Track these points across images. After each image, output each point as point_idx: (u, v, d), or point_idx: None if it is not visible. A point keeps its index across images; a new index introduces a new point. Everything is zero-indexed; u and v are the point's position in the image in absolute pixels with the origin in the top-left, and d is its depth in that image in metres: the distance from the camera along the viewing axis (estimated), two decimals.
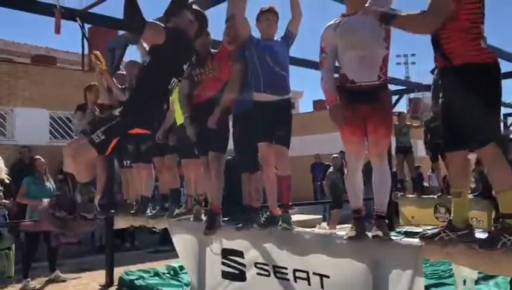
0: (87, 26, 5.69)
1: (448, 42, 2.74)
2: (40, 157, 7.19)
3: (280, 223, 3.74)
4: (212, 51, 4.56)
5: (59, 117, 11.18)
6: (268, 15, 3.88)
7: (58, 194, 7.15)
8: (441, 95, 2.91)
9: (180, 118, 4.84)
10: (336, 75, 3.49)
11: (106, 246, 6.66)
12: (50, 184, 7.13)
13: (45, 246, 6.90)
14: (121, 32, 5.73)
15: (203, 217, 4.58)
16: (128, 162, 5.83)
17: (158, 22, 3.26)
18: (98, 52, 5.80)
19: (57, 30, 5.31)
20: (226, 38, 4.15)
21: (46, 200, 6.73)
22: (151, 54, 3.26)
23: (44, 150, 10.25)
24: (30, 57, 15.86)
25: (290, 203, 3.90)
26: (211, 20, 4.57)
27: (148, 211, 5.44)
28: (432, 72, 3.26)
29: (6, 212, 6.85)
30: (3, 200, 6.55)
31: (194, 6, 3.58)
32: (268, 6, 3.92)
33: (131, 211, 5.63)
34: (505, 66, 7.94)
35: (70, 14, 5.45)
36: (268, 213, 4.03)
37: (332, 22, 3.38)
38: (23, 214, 6.96)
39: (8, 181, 6.11)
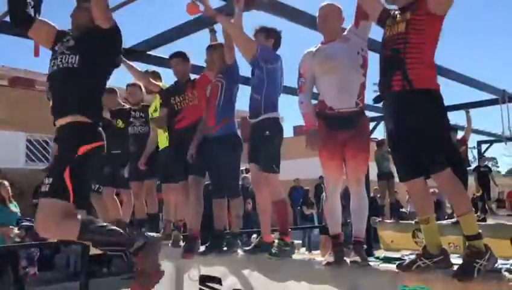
0: None
1: (413, 64, 2.68)
2: (3, 182, 6.96)
3: (273, 250, 3.62)
4: (192, 77, 4.60)
5: (36, 140, 11.01)
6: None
7: (26, 225, 7.14)
8: (395, 120, 2.83)
9: (162, 142, 4.82)
10: (315, 102, 3.54)
11: (81, 272, 6.47)
12: (15, 208, 6.96)
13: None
14: None
15: (182, 243, 4.51)
16: (97, 186, 5.72)
17: None
18: None
19: (36, 53, 5.22)
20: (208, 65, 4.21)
21: (16, 229, 6.67)
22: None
23: (19, 173, 10.05)
24: (8, 79, 15.64)
25: (288, 230, 3.74)
26: (193, 46, 4.58)
27: None
28: (377, 101, 3.01)
29: None
30: None
31: None
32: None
33: None
34: (479, 95, 8.18)
35: None
36: (259, 238, 3.97)
37: (310, 49, 3.45)
38: None
39: None
